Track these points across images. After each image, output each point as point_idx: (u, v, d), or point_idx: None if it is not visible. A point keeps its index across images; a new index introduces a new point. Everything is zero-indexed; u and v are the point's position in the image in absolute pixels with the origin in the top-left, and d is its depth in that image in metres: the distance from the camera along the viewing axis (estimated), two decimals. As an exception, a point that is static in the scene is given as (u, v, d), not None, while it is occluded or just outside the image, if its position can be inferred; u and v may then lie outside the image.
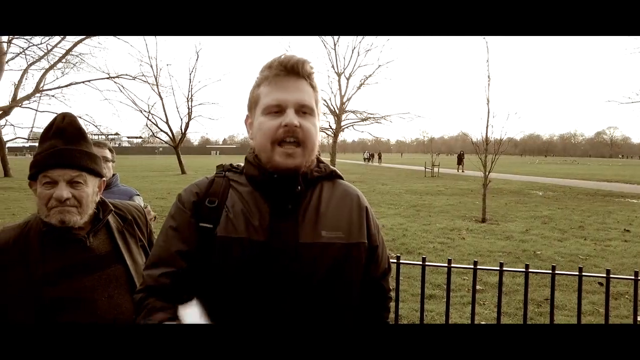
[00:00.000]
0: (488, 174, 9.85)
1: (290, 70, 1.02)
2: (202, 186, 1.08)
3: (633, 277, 2.17)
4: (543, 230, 8.29)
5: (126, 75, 23.12)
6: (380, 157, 53.11)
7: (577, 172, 31.85)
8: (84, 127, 1.33)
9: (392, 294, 1.26)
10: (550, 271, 2.24)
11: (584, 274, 2.22)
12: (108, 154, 2.50)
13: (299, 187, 1.04)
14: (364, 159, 55.05)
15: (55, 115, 1.37)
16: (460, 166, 30.02)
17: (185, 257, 1.00)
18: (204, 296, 0.97)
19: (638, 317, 2.14)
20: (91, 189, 1.31)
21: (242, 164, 1.13)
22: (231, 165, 1.14)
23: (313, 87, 1.05)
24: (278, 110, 1.00)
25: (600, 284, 4.88)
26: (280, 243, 1.00)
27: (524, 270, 2.27)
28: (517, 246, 6.97)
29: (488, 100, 9.87)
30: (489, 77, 9.95)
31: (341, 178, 1.17)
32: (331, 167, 1.15)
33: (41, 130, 1.37)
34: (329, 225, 1.05)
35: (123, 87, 24.02)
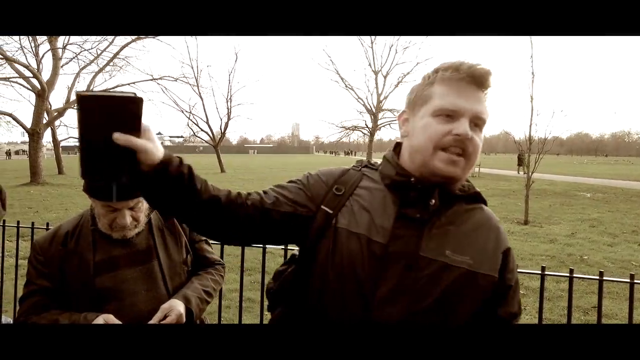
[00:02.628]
0: (531, 174, 9.47)
1: (477, 80, 0.95)
2: (336, 172, 1.07)
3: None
4: (591, 234, 7.86)
5: (168, 76, 23.74)
6: None
7: (631, 172, 29.88)
8: None
9: None
10: (597, 277, 2.12)
11: (636, 281, 2.09)
12: None
13: (433, 202, 0.97)
14: None
15: None
16: (521, 167, 27.84)
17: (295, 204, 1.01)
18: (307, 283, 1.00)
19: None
20: (145, 203, 1.41)
21: (379, 162, 1.10)
22: (369, 161, 1.11)
23: (486, 101, 0.99)
24: (451, 115, 0.94)
25: (655, 292, 4.58)
26: (399, 249, 0.94)
27: (568, 275, 2.16)
28: (562, 250, 6.65)
29: (532, 98, 9.48)
30: (532, 73, 9.55)
31: (485, 203, 1.08)
32: (476, 188, 1.07)
33: None
34: (457, 248, 0.96)
35: (166, 88, 24.73)
